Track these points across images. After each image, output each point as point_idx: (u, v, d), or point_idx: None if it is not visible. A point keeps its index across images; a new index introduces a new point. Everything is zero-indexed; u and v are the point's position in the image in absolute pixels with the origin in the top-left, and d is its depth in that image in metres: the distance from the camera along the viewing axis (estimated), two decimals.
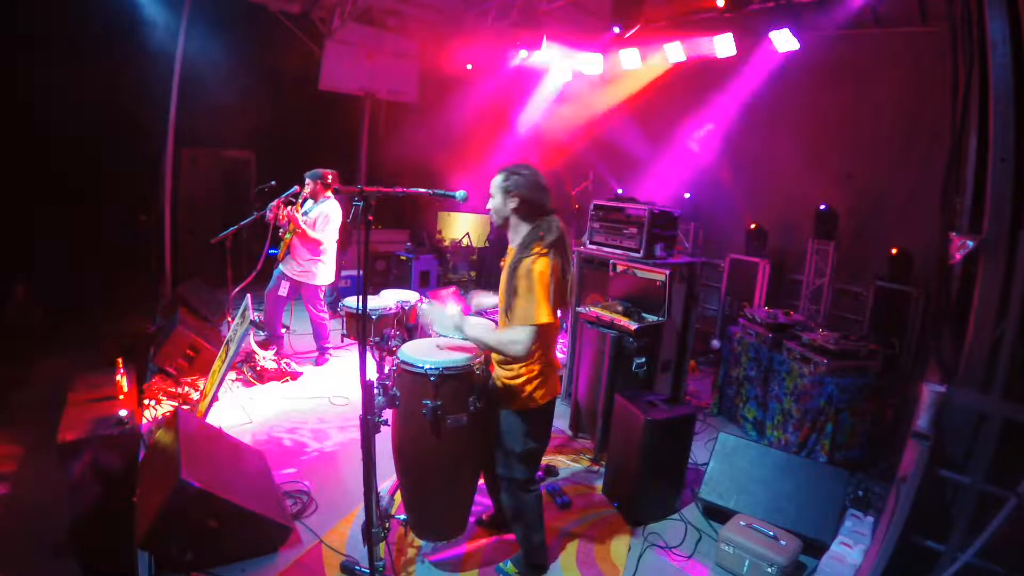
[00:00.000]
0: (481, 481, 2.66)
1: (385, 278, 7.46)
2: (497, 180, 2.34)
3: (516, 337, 2.18)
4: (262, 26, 6.60)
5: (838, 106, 5.62)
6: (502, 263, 2.50)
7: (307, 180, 4.63)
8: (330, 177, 4.63)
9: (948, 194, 2.31)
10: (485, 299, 2.80)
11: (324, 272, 4.76)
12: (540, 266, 2.19)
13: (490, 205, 2.38)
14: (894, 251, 4.87)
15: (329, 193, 4.63)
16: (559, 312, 2.32)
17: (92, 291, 5.55)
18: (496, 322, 2.53)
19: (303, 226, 4.47)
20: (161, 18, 5.70)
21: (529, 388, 2.32)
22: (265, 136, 6.94)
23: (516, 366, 2.32)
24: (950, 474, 2.05)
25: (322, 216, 4.55)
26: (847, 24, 5.16)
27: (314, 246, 4.60)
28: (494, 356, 2.40)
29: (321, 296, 4.87)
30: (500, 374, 2.39)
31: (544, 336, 2.27)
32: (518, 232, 2.35)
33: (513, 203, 2.30)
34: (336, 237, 4.72)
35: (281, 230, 4.63)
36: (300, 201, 4.64)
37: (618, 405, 3.30)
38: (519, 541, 2.57)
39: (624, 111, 7.34)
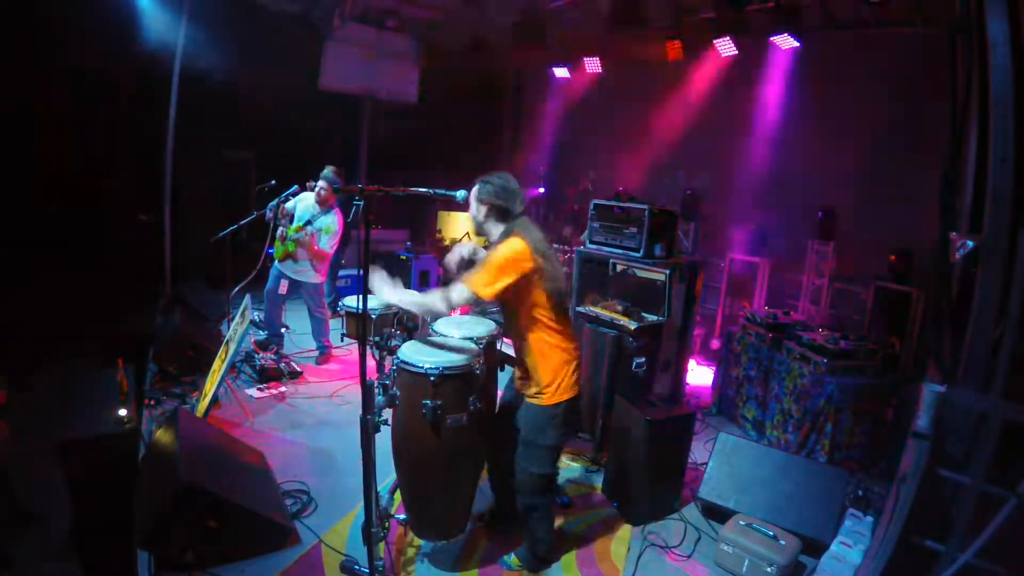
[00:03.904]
0: (484, 480, 2.66)
1: None
2: (473, 190, 2.45)
3: (447, 294, 2.24)
4: (262, 26, 6.59)
5: (838, 106, 5.62)
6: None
7: (321, 183, 4.47)
8: (340, 180, 4.53)
9: (948, 194, 2.31)
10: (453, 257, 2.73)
11: (322, 271, 4.75)
12: (505, 249, 2.26)
13: (470, 214, 2.49)
14: (893, 253, 4.87)
15: (333, 201, 4.55)
16: (566, 305, 2.42)
17: (92, 291, 5.54)
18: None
19: (316, 246, 4.41)
20: (161, 18, 5.70)
21: (553, 383, 2.37)
22: (265, 136, 6.92)
23: (542, 363, 2.36)
24: (950, 474, 2.05)
25: (330, 233, 4.50)
26: (847, 24, 5.17)
27: (316, 253, 4.57)
28: (525, 349, 2.43)
29: (322, 293, 4.86)
30: (526, 367, 2.44)
31: (554, 329, 2.36)
32: (493, 236, 2.45)
33: (483, 210, 2.42)
34: (336, 245, 4.70)
35: (280, 231, 4.55)
36: (295, 206, 4.51)
37: (618, 405, 3.30)
38: (528, 532, 2.59)
39: (625, 110, 7.34)
